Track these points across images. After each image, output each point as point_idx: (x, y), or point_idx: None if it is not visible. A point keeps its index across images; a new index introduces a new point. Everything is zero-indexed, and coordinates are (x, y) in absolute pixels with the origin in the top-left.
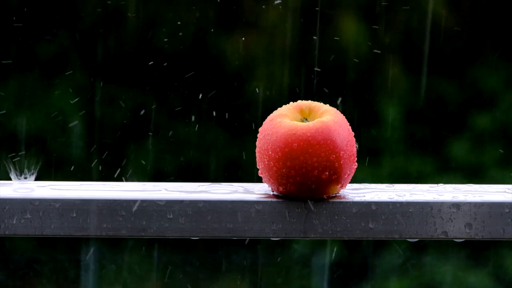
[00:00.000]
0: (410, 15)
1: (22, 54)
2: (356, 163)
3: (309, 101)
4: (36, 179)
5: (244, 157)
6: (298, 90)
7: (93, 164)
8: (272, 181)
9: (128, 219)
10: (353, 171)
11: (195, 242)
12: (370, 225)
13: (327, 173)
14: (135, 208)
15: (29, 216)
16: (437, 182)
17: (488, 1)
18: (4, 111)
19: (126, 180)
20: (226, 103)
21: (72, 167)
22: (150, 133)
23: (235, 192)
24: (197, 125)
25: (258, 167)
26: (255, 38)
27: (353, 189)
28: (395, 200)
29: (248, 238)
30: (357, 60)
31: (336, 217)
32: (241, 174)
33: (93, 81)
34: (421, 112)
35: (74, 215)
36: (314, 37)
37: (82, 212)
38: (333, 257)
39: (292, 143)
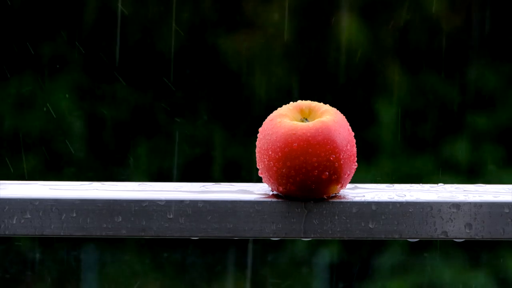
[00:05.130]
0: (410, 15)
1: (22, 54)
2: (356, 163)
3: (309, 101)
4: (36, 179)
5: (244, 157)
6: (298, 90)
7: (93, 164)
8: (272, 181)
9: (128, 219)
10: (353, 171)
11: (195, 242)
12: (370, 225)
13: (327, 173)
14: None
15: (29, 216)
16: (437, 182)
17: (488, 1)
18: (4, 111)
19: (126, 180)
20: (226, 102)
21: (72, 167)
22: (150, 133)
23: (235, 192)
24: (197, 125)
25: (258, 167)
26: (255, 38)
27: (353, 189)
28: (395, 200)
29: (248, 238)
30: (356, 60)
31: (336, 217)
32: (241, 174)
33: (93, 81)
34: (421, 112)
35: (74, 215)
36: (314, 37)
37: (82, 212)
38: (333, 257)
39: (292, 143)
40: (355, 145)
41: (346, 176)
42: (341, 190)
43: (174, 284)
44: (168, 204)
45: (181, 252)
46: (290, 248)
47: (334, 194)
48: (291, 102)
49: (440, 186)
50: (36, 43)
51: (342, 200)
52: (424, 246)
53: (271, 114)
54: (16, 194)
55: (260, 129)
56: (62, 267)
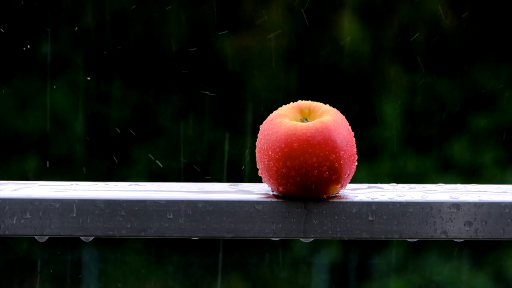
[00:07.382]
0: (410, 15)
1: (23, 54)
2: (356, 163)
3: (309, 101)
4: (37, 179)
5: (244, 157)
6: (297, 90)
7: (93, 164)
8: (272, 181)
9: (128, 219)
10: (353, 171)
11: (195, 242)
12: (370, 225)
13: (327, 173)
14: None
15: (29, 216)
16: (437, 182)
17: (488, 1)
18: (4, 111)
19: (126, 180)
20: (226, 102)
21: (72, 167)
22: (150, 133)
23: (235, 192)
24: (197, 125)
25: (258, 167)
26: (255, 38)
27: (353, 189)
28: (395, 200)
29: (248, 238)
30: (356, 60)
31: (336, 217)
32: (241, 174)
33: (93, 81)
34: (421, 112)
35: (74, 215)
36: (314, 37)
37: (82, 212)
38: (333, 257)
39: (292, 143)
40: (355, 145)
41: (346, 176)
42: (341, 190)
43: (174, 284)
44: (168, 204)
45: (181, 252)
46: (290, 248)
47: (334, 194)
48: (291, 102)
49: (440, 186)
50: (36, 42)
51: (342, 200)
52: (424, 246)
53: (271, 114)
54: (16, 194)
55: (260, 129)
56: (62, 267)
